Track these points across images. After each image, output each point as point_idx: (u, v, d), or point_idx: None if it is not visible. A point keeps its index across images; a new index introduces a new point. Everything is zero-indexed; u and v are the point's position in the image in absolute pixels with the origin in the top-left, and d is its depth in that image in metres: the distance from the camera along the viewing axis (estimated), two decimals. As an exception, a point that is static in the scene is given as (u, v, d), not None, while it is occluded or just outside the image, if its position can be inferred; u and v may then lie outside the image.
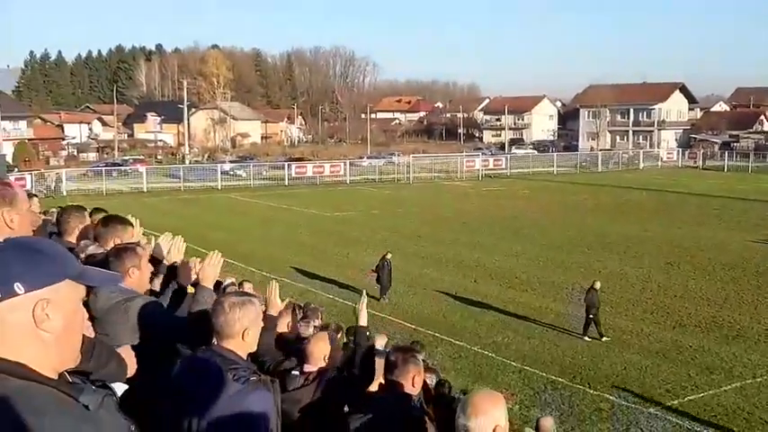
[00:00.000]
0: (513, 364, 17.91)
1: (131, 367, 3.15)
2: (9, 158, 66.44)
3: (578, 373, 17.31)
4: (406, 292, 24.48)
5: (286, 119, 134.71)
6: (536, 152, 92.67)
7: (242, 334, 3.63)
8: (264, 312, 5.47)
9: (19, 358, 1.77)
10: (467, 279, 26.33)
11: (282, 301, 5.58)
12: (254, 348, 3.79)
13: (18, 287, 1.76)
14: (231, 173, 64.36)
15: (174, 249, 5.39)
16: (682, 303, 23.19)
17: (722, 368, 17.62)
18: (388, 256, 24.29)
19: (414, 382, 4.72)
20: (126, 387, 2.13)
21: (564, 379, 16.92)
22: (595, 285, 20.32)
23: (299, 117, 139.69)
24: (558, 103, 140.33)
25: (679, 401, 15.68)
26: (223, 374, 3.42)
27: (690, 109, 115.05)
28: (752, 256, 30.05)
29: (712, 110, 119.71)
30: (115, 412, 1.95)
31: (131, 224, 5.48)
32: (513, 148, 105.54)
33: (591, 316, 19.75)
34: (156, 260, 5.56)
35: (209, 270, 4.63)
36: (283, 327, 6.28)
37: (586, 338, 19.58)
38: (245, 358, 3.69)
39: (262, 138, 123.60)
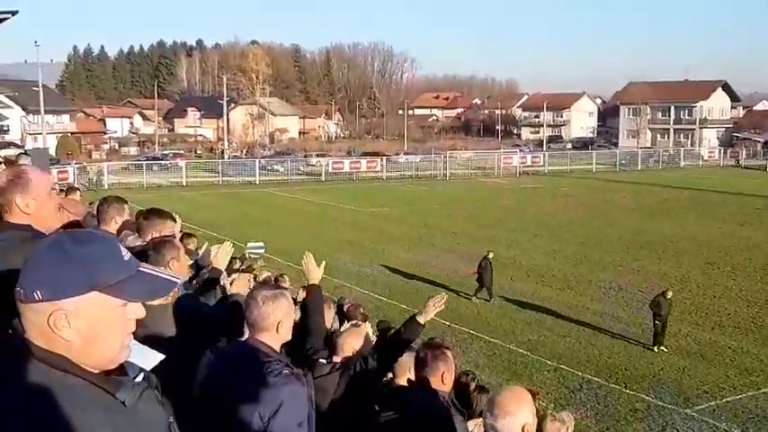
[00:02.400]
0: (549, 362, 17.84)
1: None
2: (52, 151, 67.70)
3: (614, 373, 17.18)
4: (441, 288, 24.46)
5: (324, 114, 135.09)
6: (617, 150, 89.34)
7: (276, 327, 3.71)
8: (308, 285, 5.58)
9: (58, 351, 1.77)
10: (502, 276, 26.19)
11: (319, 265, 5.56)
12: (288, 339, 3.85)
13: (38, 294, 1.72)
14: (269, 168, 64.75)
15: (221, 254, 5.72)
16: (721, 304, 22.90)
17: (761, 370, 17.38)
18: (490, 255, 23.84)
19: (443, 379, 4.72)
20: (162, 357, 2.09)
21: (599, 378, 16.81)
22: (666, 294, 19.48)
23: (337, 113, 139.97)
24: (598, 101, 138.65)
25: (716, 403, 15.50)
26: (257, 367, 3.50)
27: (732, 107, 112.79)
28: (794, 257, 29.51)
29: (755, 108, 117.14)
30: (155, 404, 1.92)
31: (172, 218, 5.56)
32: (591, 146, 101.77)
33: (656, 322, 18.96)
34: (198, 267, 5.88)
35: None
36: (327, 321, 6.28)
37: (656, 349, 18.68)
38: (279, 351, 3.75)
39: (299, 133, 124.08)
